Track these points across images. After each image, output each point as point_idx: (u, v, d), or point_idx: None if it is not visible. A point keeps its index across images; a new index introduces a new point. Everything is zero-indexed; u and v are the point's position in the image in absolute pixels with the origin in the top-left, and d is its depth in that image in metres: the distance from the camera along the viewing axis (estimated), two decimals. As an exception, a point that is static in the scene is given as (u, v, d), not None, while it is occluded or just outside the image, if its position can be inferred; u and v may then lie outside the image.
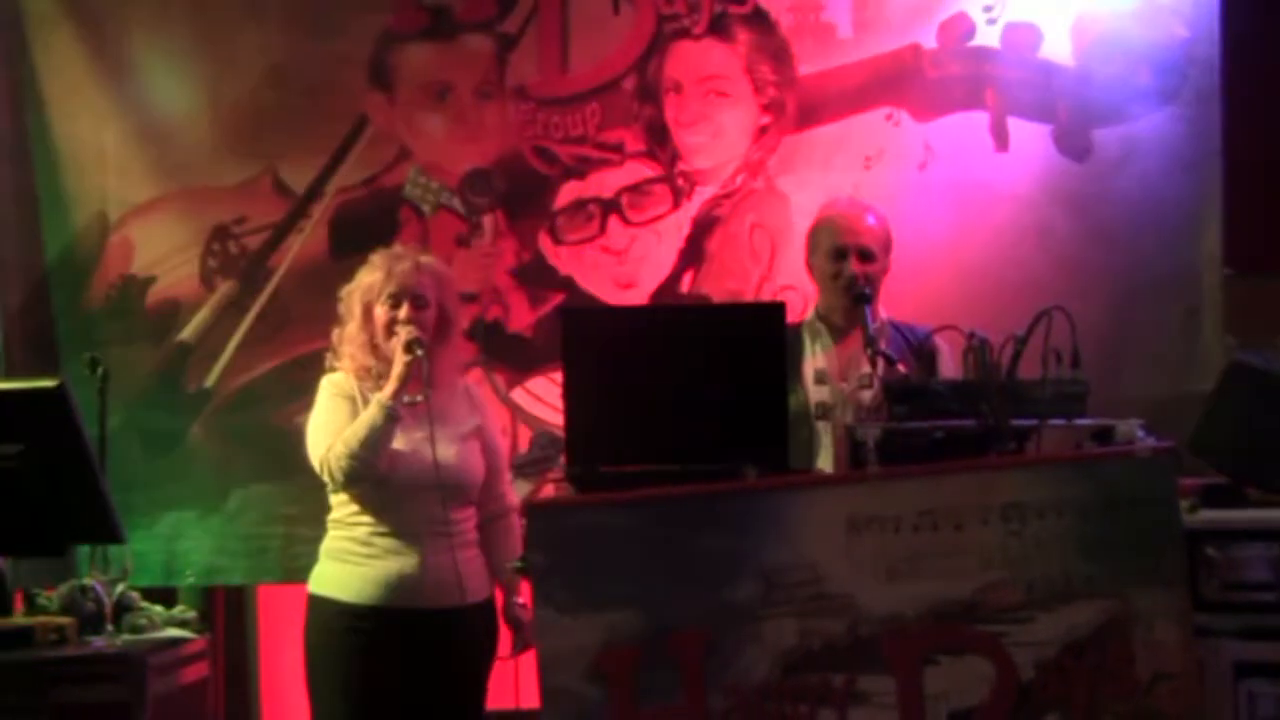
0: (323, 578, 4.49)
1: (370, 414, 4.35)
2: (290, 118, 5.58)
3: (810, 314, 4.61)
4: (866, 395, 4.27)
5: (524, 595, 4.43)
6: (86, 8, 5.60)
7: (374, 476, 4.37)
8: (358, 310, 4.49)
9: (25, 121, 5.61)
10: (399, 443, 4.38)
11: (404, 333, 4.39)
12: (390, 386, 4.34)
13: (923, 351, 4.26)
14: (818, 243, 4.57)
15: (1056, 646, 3.37)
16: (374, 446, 4.33)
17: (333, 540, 4.50)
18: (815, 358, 4.50)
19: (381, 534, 4.39)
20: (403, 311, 4.43)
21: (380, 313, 4.45)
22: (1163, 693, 3.35)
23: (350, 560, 4.42)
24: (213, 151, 5.59)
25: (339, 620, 4.40)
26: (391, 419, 4.33)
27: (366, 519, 4.41)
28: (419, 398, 4.44)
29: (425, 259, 4.56)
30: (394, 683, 4.35)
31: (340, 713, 4.40)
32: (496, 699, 4.55)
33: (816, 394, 4.43)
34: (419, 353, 4.34)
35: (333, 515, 4.51)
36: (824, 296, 4.57)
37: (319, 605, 4.47)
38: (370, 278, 4.50)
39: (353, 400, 4.45)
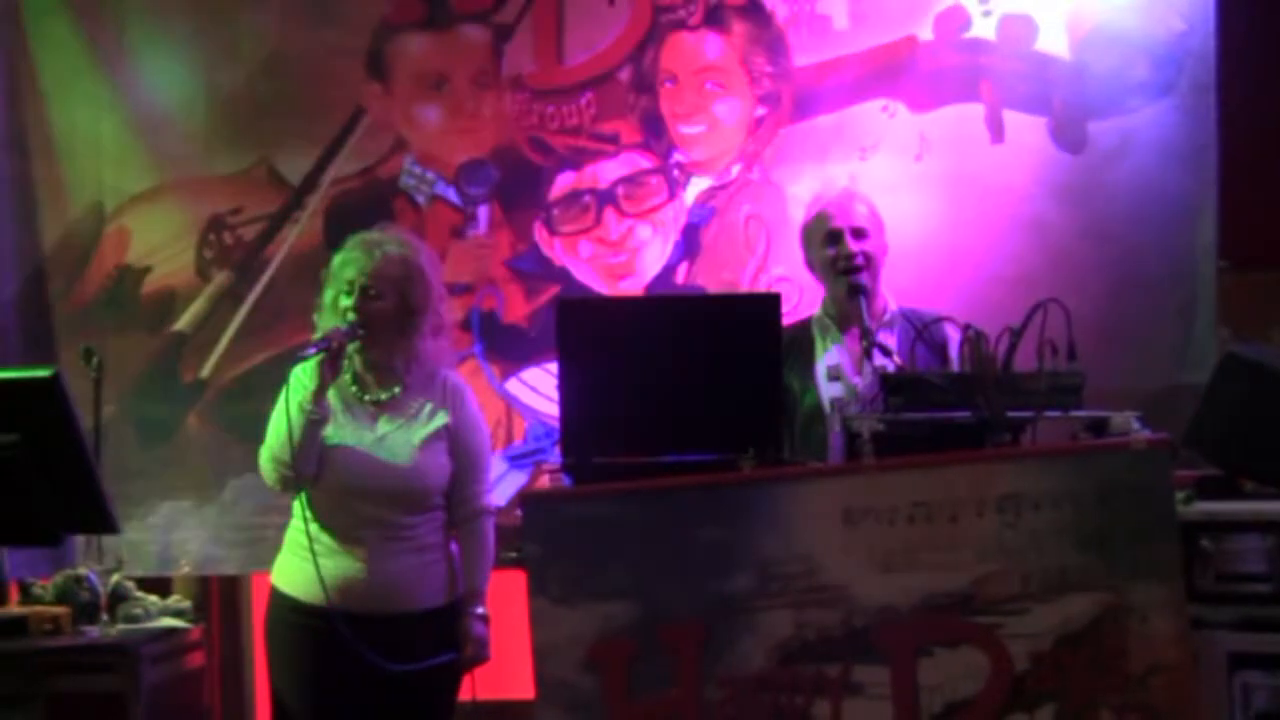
0: (279, 569, 4.41)
1: (293, 418, 4.23)
2: (286, 108, 5.59)
3: (818, 310, 4.60)
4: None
5: (484, 605, 4.37)
6: (84, -2, 5.62)
7: (302, 480, 4.28)
8: (328, 296, 4.42)
9: (22, 111, 5.62)
10: (349, 442, 4.31)
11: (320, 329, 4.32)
12: (309, 387, 4.25)
13: (934, 341, 4.27)
14: (811, 236, 4.55)
15: (1051, 638, 3.37)
16: (296, 452, 4.23)
17: (290, 531, 4.41)
18: (828, 354, 4.48)
19: (328, 533, 4.29)
20: (348, 300, 4.32)
21: (340, 300, 4.35)
22: (1157, 684, 3.36)
23: (300, 554, 4.31)
24: (208, 142, 5.61)
25: (289, 616, 4.33)
26: (313, 422, 4.24)
27: (316, 515, 4.32)
28: (382, 395, 4.39)
29: (392, 246, 4.39)
30: (343, 683, 4.25)
31: (295, 706, 4.34)
32: (492, 690, 4.53)
33: (830, 390, 4.40)
34: (315, 351, 4.22)
35: (295, 505, 4.41)
36: (828, 289, 4.54)
37: (274, 597, 4.40)
38: (334, 263, 4.42)
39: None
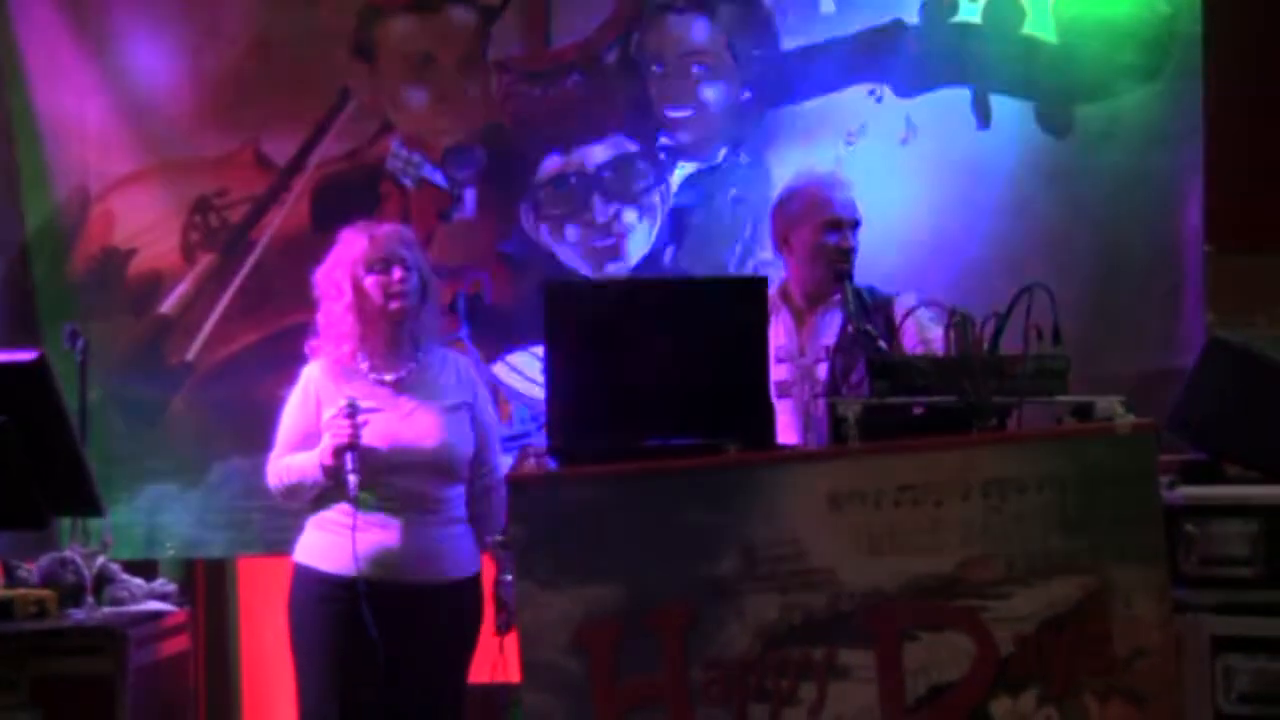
0: (306, 547, 4.49)
1: (309, 463, 4.37)
2: (272, 90, 5.56)
3: (773, 291, 4.57)
4: (823, 369, 4.28)
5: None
6: (69, -21, 5.60)
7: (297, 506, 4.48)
8: (347, 287, 4.45)
9: (7, 94, 5.59)
10: (382, 419, 4.36)
11: (333, 435, 4.34)
12: (327, 453, 4.33)
13: (881, 311, 4.29)
14: (801, 215, 4.53)
15: (1036, 622, 3.38)
16: (300, 495, 4.43)
17: (319, 510, 4.48)
18: (775, 334, 4.44)
19: (364, 507, 4.35)
20: (395, 274, 4.40)
21: (370, 282, 4.42)
22: (1141, 668, 3.37)
23: (332, 531, 4.41)
24: (194, 124, 5.58)
25: (320, 589, 4.40)
26: (323, 478, 4.37)
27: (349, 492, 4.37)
28: (401, 373, 4.46)
29: (390, 226, 4.59)
30: (374, 654, 4.34)
31: (321, 682, 4.40)
32: (480, 674, 4.56)
33: (775, 373, 4.37)
34: (346, 457, 4.32)
35: None
36: (804, 269, 4.53)
37: (301, 575, 4.48)
38: (353, 250, 4.46)
39: (317, 405, 4.44)
